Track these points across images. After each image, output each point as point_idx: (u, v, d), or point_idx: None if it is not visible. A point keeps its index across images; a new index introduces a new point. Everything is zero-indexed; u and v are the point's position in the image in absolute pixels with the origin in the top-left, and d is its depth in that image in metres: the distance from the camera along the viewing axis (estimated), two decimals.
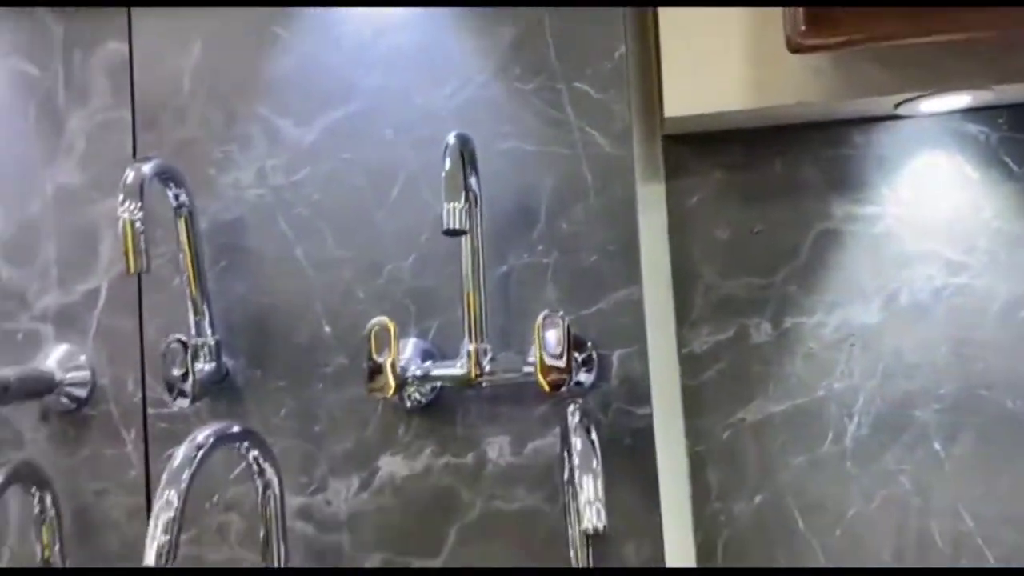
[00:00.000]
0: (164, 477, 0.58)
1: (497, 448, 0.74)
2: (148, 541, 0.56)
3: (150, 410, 0.78)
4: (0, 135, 0.82)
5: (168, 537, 0.57)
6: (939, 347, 0.75)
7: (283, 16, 0.78)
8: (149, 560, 0.55)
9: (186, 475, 0.60)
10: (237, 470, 0.76)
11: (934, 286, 0.75)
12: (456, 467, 0.75)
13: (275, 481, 0.69)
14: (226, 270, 0.78)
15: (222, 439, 0.63)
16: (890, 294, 0.76)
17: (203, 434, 0.63)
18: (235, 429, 0.66)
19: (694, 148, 0.78)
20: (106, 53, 0.81)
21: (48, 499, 0.74)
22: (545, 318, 0.66)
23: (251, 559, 0.76)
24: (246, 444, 0.67)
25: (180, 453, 0.60)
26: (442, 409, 0.75)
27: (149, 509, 0.77)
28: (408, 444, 0.75)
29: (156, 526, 0.57)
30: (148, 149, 0.79)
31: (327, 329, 0.77)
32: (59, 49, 0.82)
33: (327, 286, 0.77)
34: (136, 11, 0.80)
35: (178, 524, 0.57)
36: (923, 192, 0.76)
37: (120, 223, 0.65)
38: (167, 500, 0.58)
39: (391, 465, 0.75)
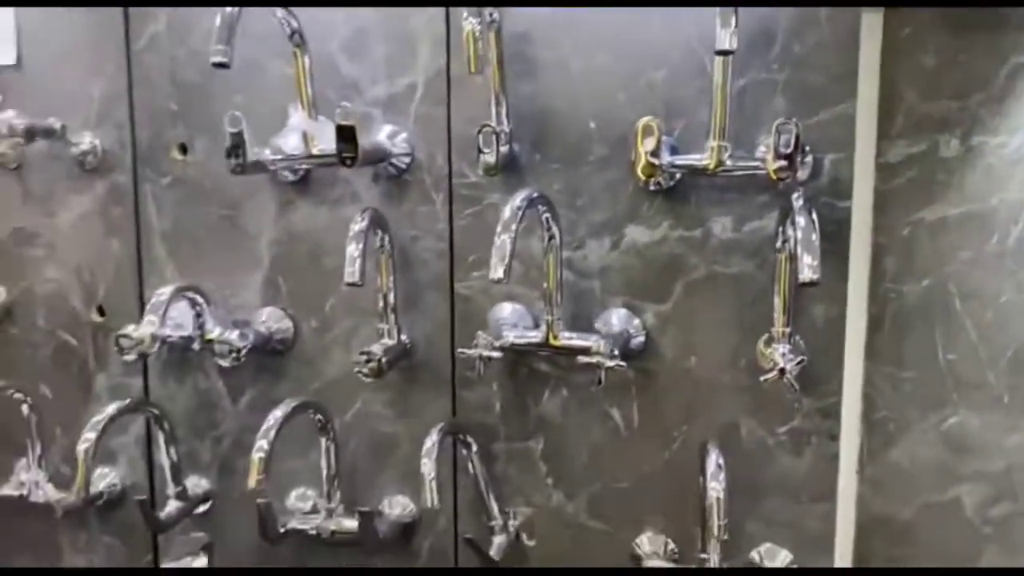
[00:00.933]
0: (505, 217, 0.84)
1: (721, 225, 0.96)
2: (496, 257, 0.81)
3: (454, 180, 1.04)
4: None
5: (505, 259, 0.82)
6: None
7: None
8: (496, 274, 0.81)
9: (514, 227, 0.84)
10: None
11: None
12: (686, 238, 0.97)
13: (558, 237, 0.94)
14: (518, 74, 0.99)
15: (532, 201, 0.88)
16: None
17: (520, 196, 0.87)
18: (536, 194, 0.90)
19: None
20: None
21: (387, 238, 1.02)
22: (780, 124, 0.85)
23: (530, 295, 1.03)
24: (544, 206, 0.91)
25: (509, 207, 0.85)
26: (680, 193, 0.97)
27: (452, 253, 1.05)
28: (650, 218, 0.98)
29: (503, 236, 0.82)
30: None
31: (592, 125, 0.99)
32: None
33: (594, 90, 0.98)
34: None
35: (513, 245, 0.83)
36: None
37: (464, 33, 0.87)
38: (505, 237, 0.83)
39: (635, 233, 0.99)
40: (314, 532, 1.08)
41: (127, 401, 1.06)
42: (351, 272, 0.93)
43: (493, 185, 1.02)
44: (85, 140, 1.15)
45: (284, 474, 1.14)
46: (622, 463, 1.03)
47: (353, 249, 0.93)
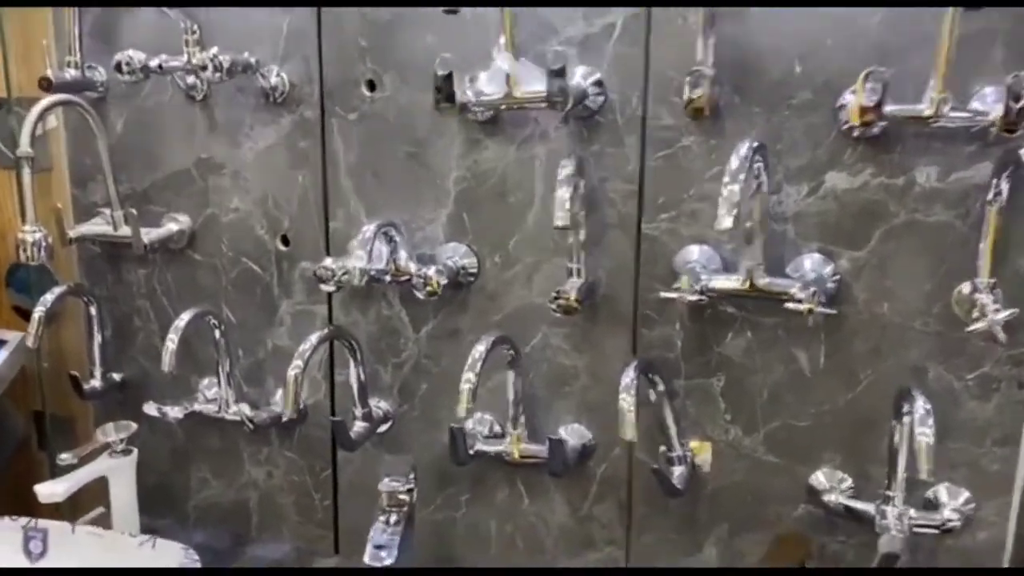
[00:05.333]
0: (733, 166, 0.85)
1: (925, 174, 0.96)
2: (725, 206, 0.83)
3: (648, 121, 1.05)
4: None
5: (733, 208, 0.84)
6: None
7: None
8: (724, 224, 0.83)
9: (742, 176, 0.86)
10: (712, 172, 1.04)
11: None
12: (888, 186, 0.98)
13: (766, 185, 0.95)
14: (722, 15, 0.99)
15: (757, 149, 0.89)
16: None
17: (745, 146, 0.88)
18: (757, 143, 0.90)
19: None
20: None
21: (582, 181, 1.04)
22: (1015, 76, 0.85)
23: (715, 236, 1.05)
24: (760, 155, 0.92)
25: (736, 156, 0.87)
26: (885, 141, 0.97)
27: (640, 194, 1.07)
28: (851, 165, 0.99)
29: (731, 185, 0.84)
30: None
31: (797, 69, 0.98)
32: None
33: (801, 34, 0.97)
34: None
35: (740, 194, 0.85)
36: None
37: None
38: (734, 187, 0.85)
39: (835, 179, 1.00)
40: (500, 455, 1.15)
41: (327, 330, 1.12)
42: (562, 216, 0.95)
43: (688, 128, 1.03)
44: (273, 74, 1.18)
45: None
46: (803, 402, 1.06)
47: (564, 193, 0.96)
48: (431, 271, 1.10)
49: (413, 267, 1.12)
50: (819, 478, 1.07)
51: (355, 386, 1.19)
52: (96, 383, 1.34)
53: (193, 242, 1.30)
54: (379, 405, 1.24)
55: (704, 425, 1.11)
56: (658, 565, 1.17)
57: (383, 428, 1.24)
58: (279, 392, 1.30)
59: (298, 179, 1.22)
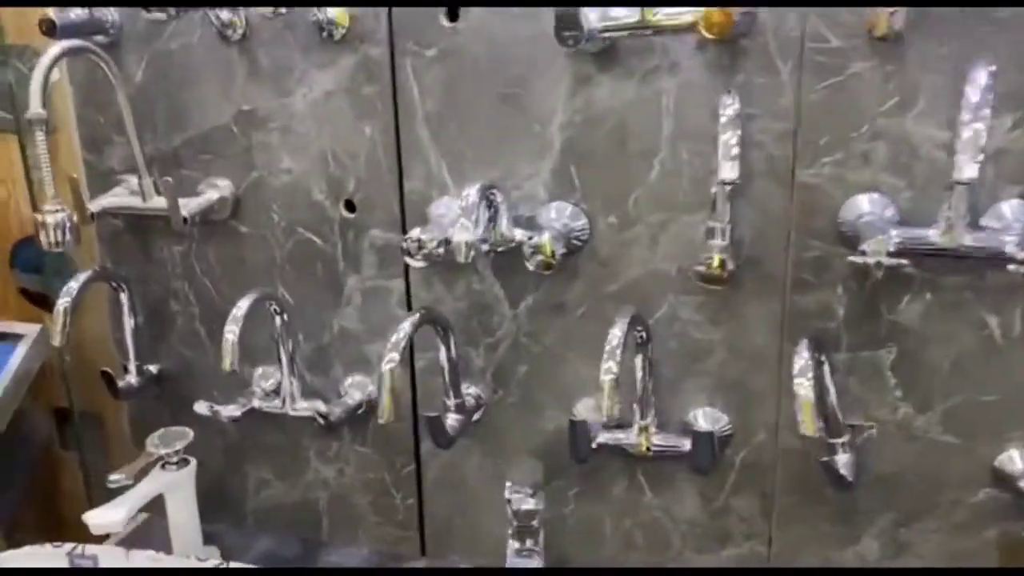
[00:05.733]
0: (974, 100, 0.67)
1: None
2: (967, 151, 0.65)
3: (808, 44, 0.86)
4: None
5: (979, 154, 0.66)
6: None
7: None
8: (968, 173, 0.65)
9: (986, 111, 0.68)
10: (888, 105, 0.85)
11: None
12: None
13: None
14: None
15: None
16: None
17: (982, 74, 0.70)
18: (994, 67, 0.72)
19: None
20: None
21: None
22: None
23: (892, 182, 0.87)
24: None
25: (974, 88, 0.68)
26: None
27: (796, 134, 0.89)
28: None
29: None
30: None
31: None
32: None
33: None
34: None
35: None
36: None
37: None
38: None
39: None
40: (625, 449, 0.99)
41: (419, 313, 0.94)
42: (730, 167, 0.78)
43: (858, 52, 0.84)
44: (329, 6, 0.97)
45: (570, 382, 1.04)
46: (993, 374, 0.90)
47: (729, 137, 0.78)
48: (544, 238, 0.92)
49: (519, 234, 0.93)
50: (1010, 460, 0.92)
51: (447, 374, 1.01)
52: (132, 379, 1.16)
53: (238, 211, 1.10)
54: (469, 392, 1.07)
55: (868, 404, 0.94)
56: (807, 559, 1.02)
57: (474, 417, 1.08)
58: (348, 380, 1.12)
59: (364, 132, 1.02)
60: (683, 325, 0.98)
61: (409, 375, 1.09)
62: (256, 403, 1.10)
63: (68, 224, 0.95)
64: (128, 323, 1.14)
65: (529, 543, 0.93)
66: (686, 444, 0.97)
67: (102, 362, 1.24)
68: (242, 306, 0.98)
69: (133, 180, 1.10)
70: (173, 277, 1.16)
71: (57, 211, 0.93)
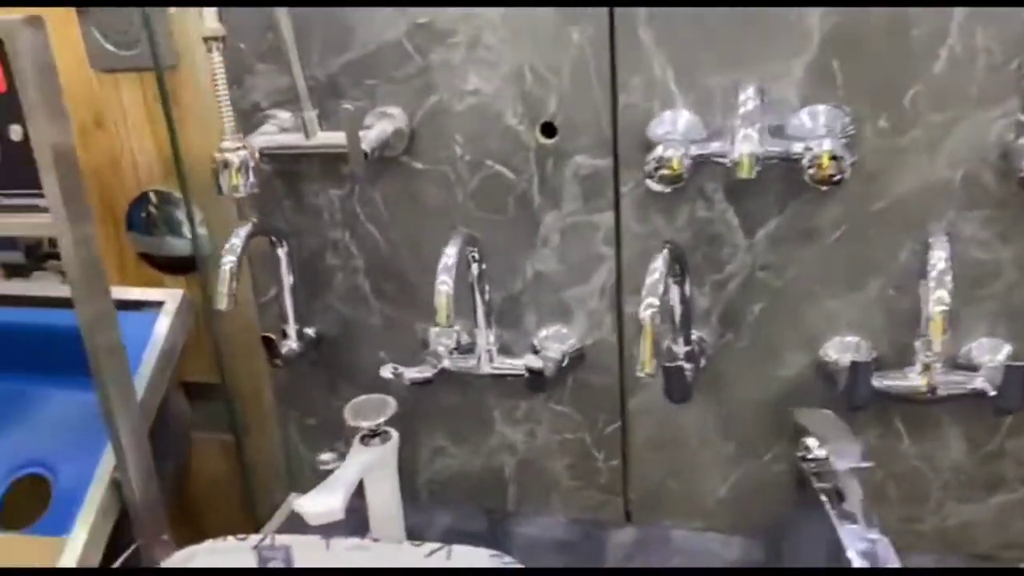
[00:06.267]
0: None
1: None
2: None
3: None
4: None
5: None
6: None
7: None
8: None
9: None
10: None
11: None
12: None
13: None
14: None
15: None
16: None
17: None
18: None
19: None
20: None
21: None
22: None
23: None
24: None
25: None
26: None
27: None
28: None
29: None
30: None
31: None
32: None
33: None
34: None
35: None
36: None
37: None
38: None
39: None
40: (905, 392, 0.85)
41: (664, 251, 0.79)
42: None
43: None
44: None
45: (817, 320, 0.90)
46: None
47: None
48: (825, 146, 0.77)
49: (798, 146, 0.78)
50: None
51: (678, 316, 0.88)
52: (292, 343, 1.02)
53: (412, 145, 0.95)
54: (692, 337, 0.93)
55: None
56: None
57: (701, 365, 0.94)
58: (543, 332, 0.99)
59: (571, 37, 0.87)
60: (964, 244, 0.83)
61: (616, 320, 0.96)
62: (446, 363, 0.96)
63: (252, 163, 0.80)
64: (287, 281, 1.00)
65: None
66: (976, 381, 0.83)
67: (232, 328, 1.12)
68: (450, 254, 0.83)
69: (283, 116, 0.95)
70: (331, 226, 1.02)
71: (239, 148, 0.79)
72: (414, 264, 1.00)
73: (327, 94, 0.95)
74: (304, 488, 0.85)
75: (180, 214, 1.12)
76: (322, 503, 0.77)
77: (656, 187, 0.82)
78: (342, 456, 0.85)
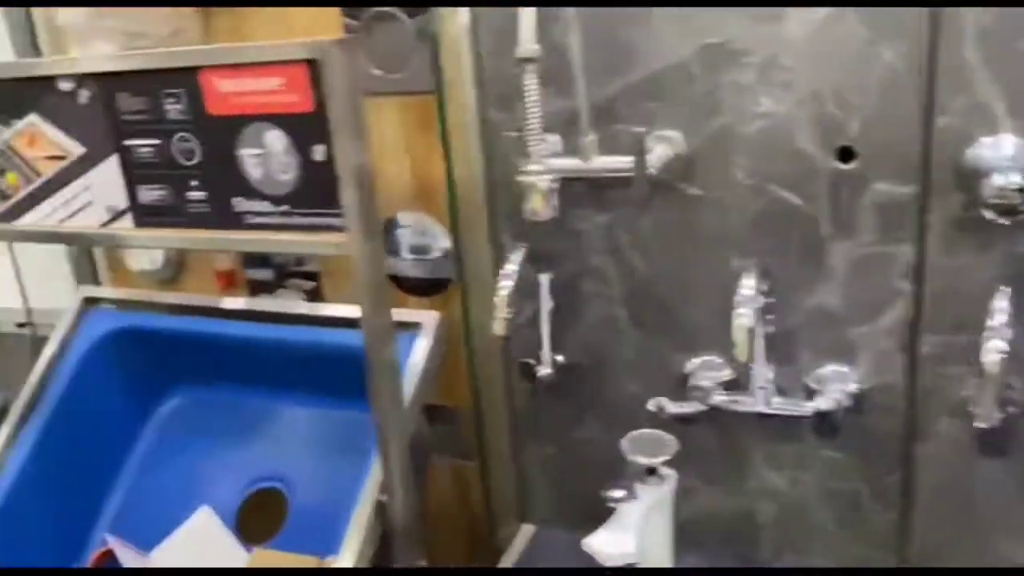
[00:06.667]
0: None
1: None
2: None
3: None
4: None
5: None
6: None
7: None
8: None
9: None
10: None
11: None
12: None
13: None
14: None
15: None
16: None
17: None
18: None
19: None
20: None
21: None
22: None
23: None
24: None
25: None
26: None
27: None
28: None
29: None
30: None
31: None
32: None
33: None
34: None
35: None
36: None
37: None
38: None
39: None
40: None
41: (1006, 290, 0.72)
42: None
43: None
44: None
45: None
46: None
47: None
48: None
49: None
50: None
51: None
52: (546, 369, 1.00)
53: (690, 169, 0.92)
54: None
55: None
56: None
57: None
58: (820, 370, 0.92)
59: (880, 57, 0.81)
60: None
61: (908, 361, 0.88)
62: (716, 399, 0.91)
63: (556, 187, 0.78)
64: (546, 306, 0.98)
65: None
66: None
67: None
68: (748, 284, 0.79)
69: (552, 139, 0.94)
70: (591, 253, 0.99)
71: (543, 172, 0.77)
72: (678, 293, 0.96)
73: (604, 118, 0.92)
74: (536, 518, 0.81)
75: (428, 238, 1.12)
76: (614, 546, 0.74)
77: (989, 216, 0.75)
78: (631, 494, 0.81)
